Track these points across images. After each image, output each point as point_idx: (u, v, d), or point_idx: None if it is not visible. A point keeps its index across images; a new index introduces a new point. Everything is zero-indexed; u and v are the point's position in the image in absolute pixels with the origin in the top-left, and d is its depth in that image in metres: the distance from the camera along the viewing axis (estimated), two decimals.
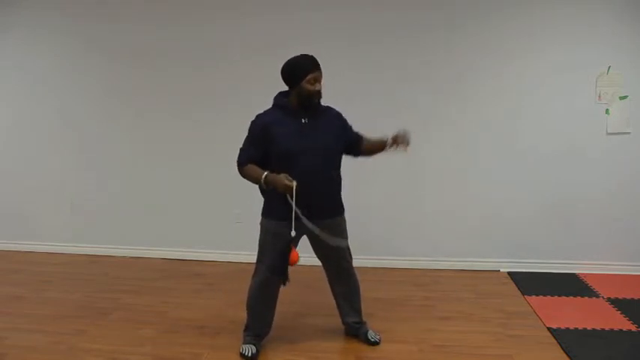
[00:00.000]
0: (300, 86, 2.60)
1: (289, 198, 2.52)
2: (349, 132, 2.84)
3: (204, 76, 4.45)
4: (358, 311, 2.99)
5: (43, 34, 4.71)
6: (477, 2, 4.07)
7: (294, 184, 2.49)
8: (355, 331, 2.99)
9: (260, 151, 2.66)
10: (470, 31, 4.10)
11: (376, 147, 2.82)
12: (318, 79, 2.62)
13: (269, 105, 2.77)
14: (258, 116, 2.71)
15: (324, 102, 2.76)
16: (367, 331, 2.97)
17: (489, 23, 4.09)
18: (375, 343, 2.91)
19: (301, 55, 2.66)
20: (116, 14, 4.54)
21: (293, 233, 2.56)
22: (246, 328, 2.88)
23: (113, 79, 4.62)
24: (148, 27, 4.49)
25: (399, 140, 2.69)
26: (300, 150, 2.60)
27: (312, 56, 2.64)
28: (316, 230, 2.63)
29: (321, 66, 2.65)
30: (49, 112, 4.77)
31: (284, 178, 2.51)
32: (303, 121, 2.64)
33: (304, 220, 2.58)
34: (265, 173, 2.59)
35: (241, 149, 2.73)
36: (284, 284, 2.73)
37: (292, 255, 2.57)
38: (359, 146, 2.86)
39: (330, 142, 2.70)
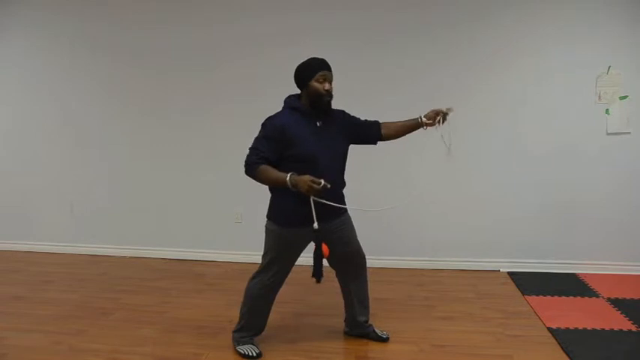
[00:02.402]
0: (309, 85, 2.58)
1: (315, 198, 2.49)
2: (355, 124, 2.81)
3: (204, 76, 4.45)
4: (368, 309, 2.99)
5: (43, 34, 4.71)
6: (477, 2, 4.07)
7: (322, 183, 2.42)
8: (363, 330, 2.98)
9: (276, 152, 2.56)
10: (470, 31, 4.10)
11: (401, 129, 2.83)
12: (327, 79, 2.60)
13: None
14: (272, 117, 2.63)
15: None
16: (375, 329, 2.99)
17: (489, 23, 4.09)
18: (387, 339, 2.94)
19: (312, 57, 2.64)
20: (116, 14, 4.54)
21: (315, 225, 2.50)
22: (241, 329, 2.84)
23: (113, 79, 4.62)
24: (148, 27, 4.50)
25: (437, 116, 2.73)
26: (317, 153, 2.58)
27: (322, 58, 2.63)
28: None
29: (332, 68, 2.63)
30: (49, 112, 4.77)
31: (308, 180, 2.43)
32: (317, 124, 2.63)
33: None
34: (290, 173, 2.48)
35: (253, 149, 2.60)
36: (319, 281, 2.65)
37: (324, 249, 2.54)
38: (375, 132, 2.83)
39: (341, 146, 2.73)
